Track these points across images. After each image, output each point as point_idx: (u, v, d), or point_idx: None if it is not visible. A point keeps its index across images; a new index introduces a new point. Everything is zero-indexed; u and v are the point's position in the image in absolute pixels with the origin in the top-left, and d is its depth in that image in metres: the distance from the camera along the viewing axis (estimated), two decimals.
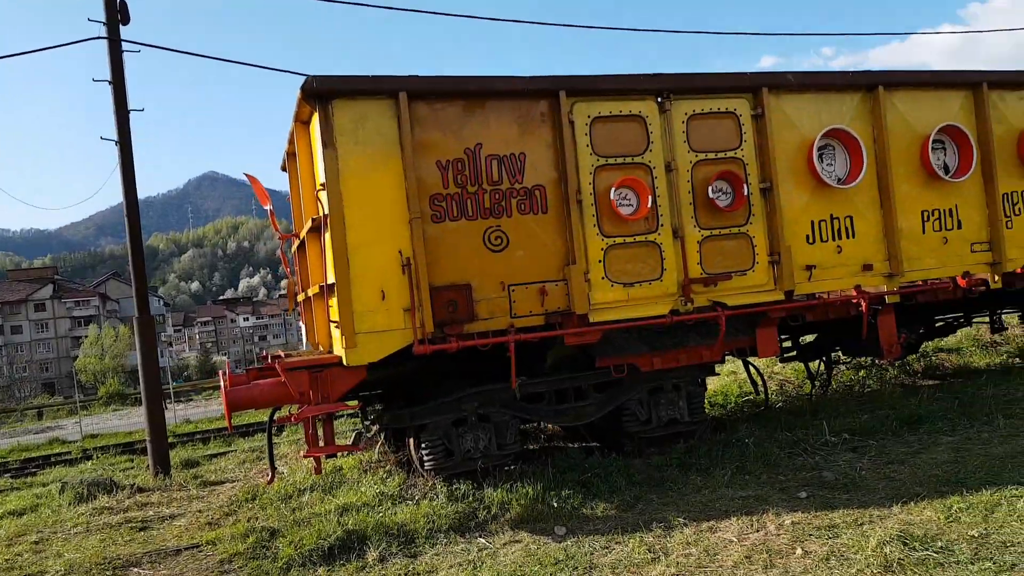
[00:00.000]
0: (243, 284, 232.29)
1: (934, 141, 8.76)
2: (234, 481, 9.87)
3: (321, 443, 7.16)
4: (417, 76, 6.99)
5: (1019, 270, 9.17)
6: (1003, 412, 8.24)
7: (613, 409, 7.94)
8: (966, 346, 12.60)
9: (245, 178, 8.33)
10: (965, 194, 9.03)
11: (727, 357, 8.85)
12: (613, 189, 7.45)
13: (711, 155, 7.96)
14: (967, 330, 12.37)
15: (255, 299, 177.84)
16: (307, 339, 8.84)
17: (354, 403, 7.11)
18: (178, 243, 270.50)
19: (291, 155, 8.77)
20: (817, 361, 10.38)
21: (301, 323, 9.03)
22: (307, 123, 7.66)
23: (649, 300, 7.65)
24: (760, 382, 9.39)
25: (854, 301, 8.47)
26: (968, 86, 9.14)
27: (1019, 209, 9.29)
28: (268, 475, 7.93)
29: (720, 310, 7.77)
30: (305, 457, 6.88)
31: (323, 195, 6.80)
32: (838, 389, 10.33)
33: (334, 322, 6.76)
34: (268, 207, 8.23)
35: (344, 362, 6.78)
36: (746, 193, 7.90)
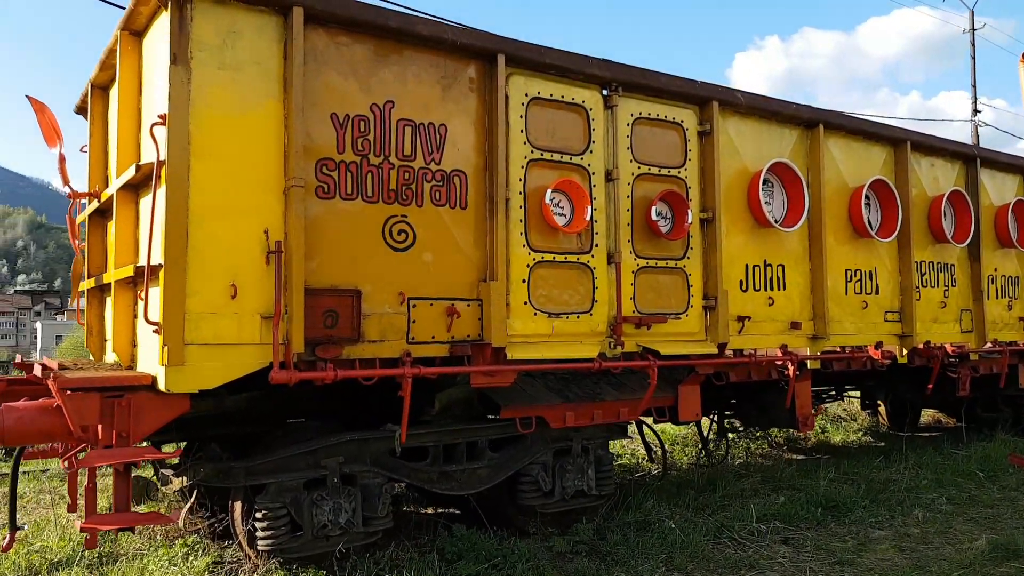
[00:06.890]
0: None
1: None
2: None
3: (106, 507, 4.72)
4: None
5: (920, 346, 8.56)
6: (917, 503, 7.40)
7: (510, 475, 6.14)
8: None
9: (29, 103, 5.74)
10: (883, 257, 8.33)
11: None
12: (549, 191, 5.80)
13: (654, 170, 6.57)
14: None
15: None
16: (87, 344, 6.26)
17: (173, 450, 4.75)
18: None
19: (99, 88, 6.26)
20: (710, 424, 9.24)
21: (80, 321, 6.43)
22: (141, 34, 5.32)
23: (576, 338, 6.02)
24: (658, 447, 8.03)
25: (779, 363, 7.38)
26: (892, 142, 8.52)
27: (926, 280, 8.76)
28: (5, 538, 5.30)
29: (652, 359, 6.29)
30: (83, 530, 4.42)
31: (160, 132, 4.53)
32: (705, 459, 9.23)
33: (153, 324, 4.46)
34: (57, 149, 5.68)
35: (162, 386, 4.48)
36: (688, 221, 6.56)
